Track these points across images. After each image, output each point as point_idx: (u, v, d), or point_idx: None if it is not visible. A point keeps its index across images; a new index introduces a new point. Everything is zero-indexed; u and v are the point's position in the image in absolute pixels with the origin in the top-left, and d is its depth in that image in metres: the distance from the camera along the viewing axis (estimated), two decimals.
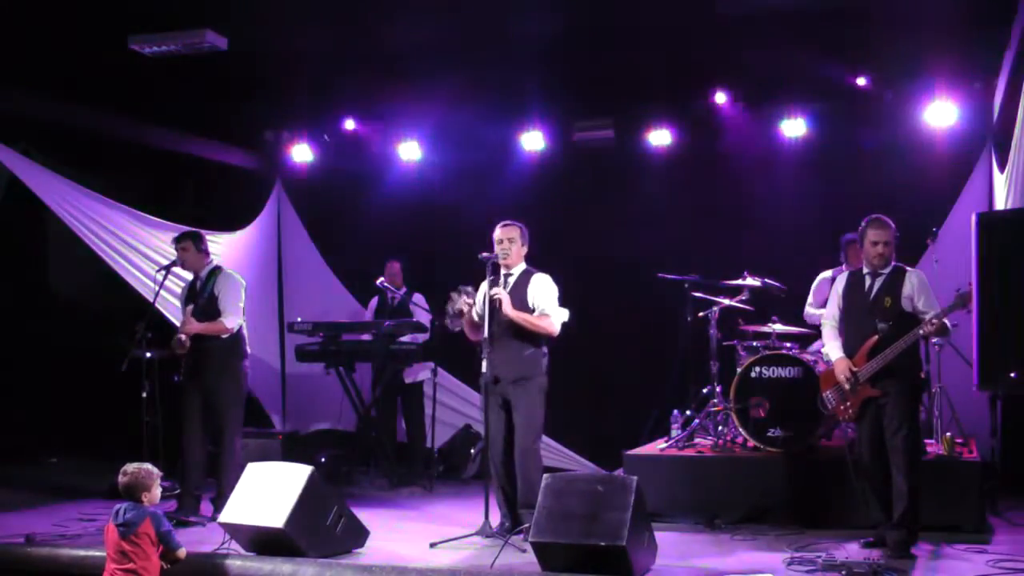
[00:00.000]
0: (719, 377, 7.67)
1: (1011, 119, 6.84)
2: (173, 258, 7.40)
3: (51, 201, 8.01)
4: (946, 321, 5.75)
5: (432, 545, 6.13)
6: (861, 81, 8.37)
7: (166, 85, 8.35)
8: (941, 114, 8.28)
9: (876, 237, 5.91)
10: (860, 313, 5.97)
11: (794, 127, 8.69)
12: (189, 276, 7.38)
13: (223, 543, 5.89)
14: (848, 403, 5.97)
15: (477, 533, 6.27)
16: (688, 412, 7.81)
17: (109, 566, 5.03)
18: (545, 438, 7.11)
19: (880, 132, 8.60)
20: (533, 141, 9.36)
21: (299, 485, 5.76)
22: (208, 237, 7.60)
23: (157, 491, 5.17)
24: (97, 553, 5.48)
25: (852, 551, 5.85)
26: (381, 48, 8.01)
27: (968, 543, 6.05)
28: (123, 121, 8.91)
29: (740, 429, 7.17)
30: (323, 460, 8.56)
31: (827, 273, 7.84)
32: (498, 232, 6.48)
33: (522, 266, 6.53)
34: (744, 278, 7.70)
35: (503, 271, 6.46)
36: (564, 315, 6.43)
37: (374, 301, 9.37)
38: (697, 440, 7.56)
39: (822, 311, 6.48)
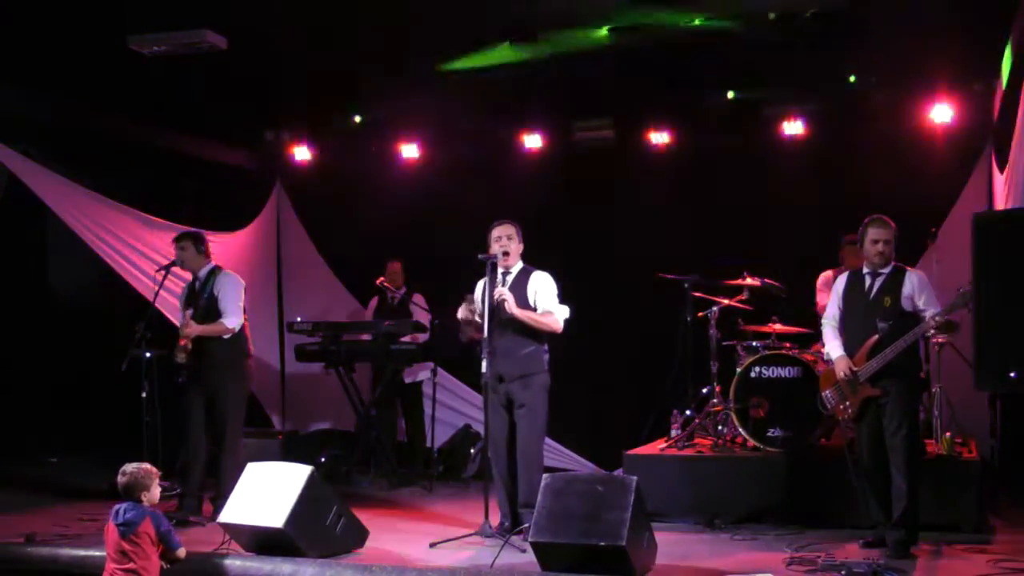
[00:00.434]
0: (719, 377, 7.68)
1: (1011, 119, 6.84)
2: (173, 258, 7.40)
3: (51, 201, 8.01)
4: (951, 317, 5.74)
5: (432, 545, 6.14)
6: (861, 81, 8.37)
7: (166, 85, 8.35)
8: (941, 114, 8.28)
9: (877, 236, 5.92)
10: (860, 313, 5.97)
11: (794, 127, 8.69)
12: (188, 276, 7.38)
13: (223, 543, 5.89)
14: (848, 403, 5.97)
15: (477, 533, 6.27)
16: (688, 412, 7.81)
17: (109, 566, 5.03)
18: (545, 438, 7.11)
19: (880, 132, 8.60)
20: (533, 141, 9.36)
21: (299, 485, 5.76)
22: (208, 237, 7.59)
23: (156, 491, 5.17)
24: (97, 553, 5.48)
25: (852, 551, 5.86)
26: (381, 48, 8.01)
27: (968, 543, 6.06)
28: (123, 121, 8.91)
29: (740, 429, 7.18)
30: (323, 460, 8.57)
31: (829, 272, 7.85)
32: (496, 230, 6.48)
33: (520, 264, 6.53)
34: (744, 278, 7.71)
35: (501, 270, 6.46)
36: (566, 312, 6.44)
37: (374, 301, 9.37)
38: (697, 440, 7.56)
39: None
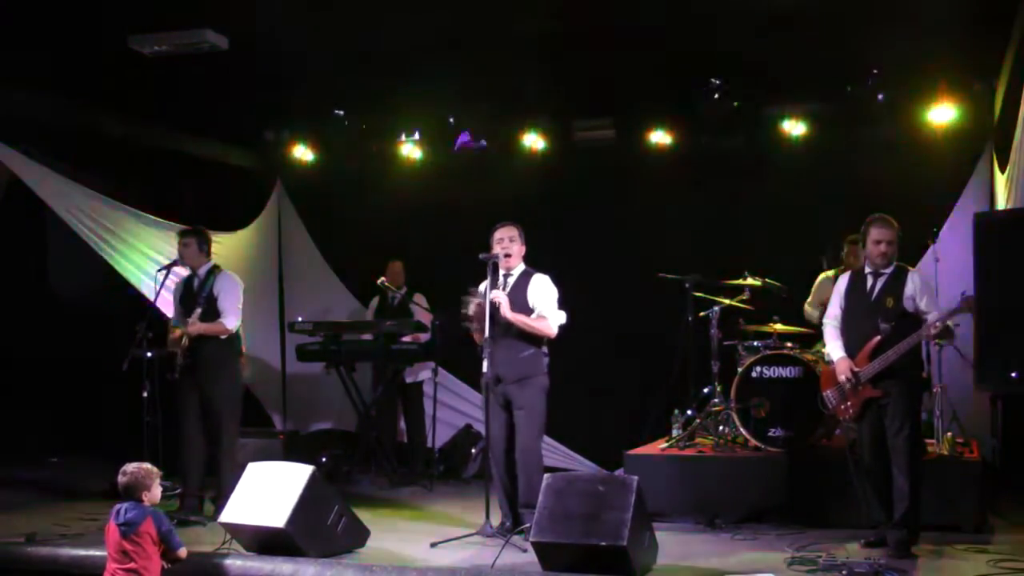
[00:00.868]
0: (720, 377, 7.68)
1: (1011, 119, 6.84)
2: (174, 258, 7.40)
3: (51, 201, 8.01)
4: (950, 324, 5.74)
5: (433, 545, 6.14)
6: (862, 81, 8.37)
7: (166, 85, 8.35)
8: (941, 114, 8.28)
9: (879, 236, 5.90)
10: (862, 313, 5.96)
11: (794, 127, 8.69)
12: (183, 272, 7.37)
13: (224, 543, 5.89)
14: (849, 403, 5.96)
15: (478, 533, 6.27)
16: (689, 412, 7.80)
17: (110, 566, 5.02)
18: (545, 438, 7.11)
19: (880, 132, 8.60)
20: (533, 141, 9.36)
21: (300, 485, 5.76)
22: (209, 236, 7.59)
23: (157, 490, 5.17)
24: (98, 553, 5.48)
25: (853, 551, 5.86)
26: (381, 47, 8.01)
27: (968, 543, 6.05)
28: (123, 121, 8.91)
29: (741, 429, 7.18)
30: (324, 460, 8.57)
31: (829, 273, 7.85)
32: (499, 232, 6.49)
33: (521, 266, 6.53)
34: (744, 278, 7.71)
35: (502, 271, 6.46)
36: (562, 317, 6.43)
37: (374, 301, 9.37)
38: (698, 440, 7.56)
39: (819, 311, 6.47)
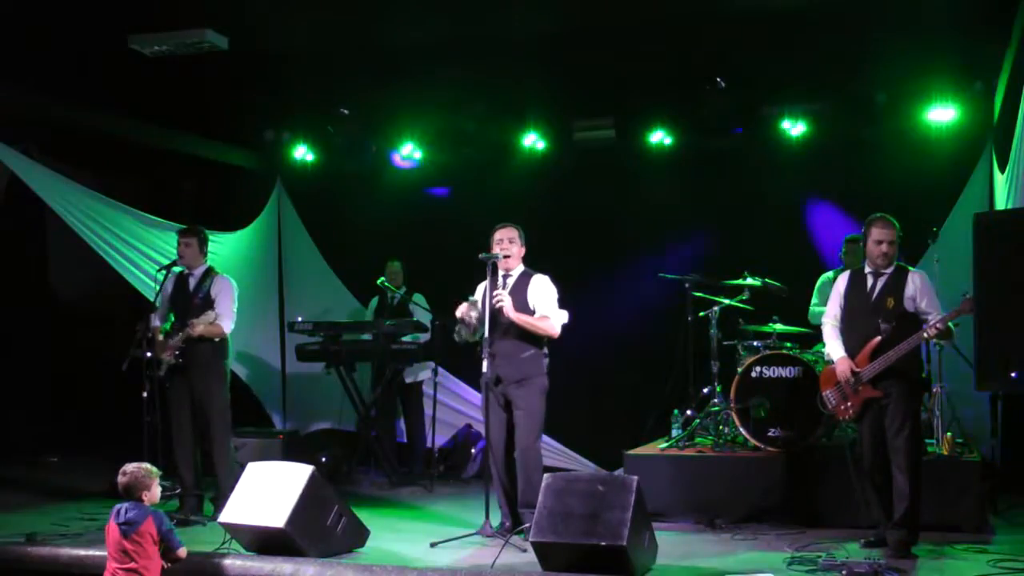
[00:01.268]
0: (720, 377, 7.68)
1: (1011, 119, 6.84)
2: (173, 258, 7.40)
3: (51, 201, 8.01)
4: (950, 324, 5.73)
5: (433, 545, 6.14)
6: (862, 81, 8.37)
7: (166, 85, 8.35)
8: (941, 114, 8.28)
9: (881, 236, 5.89)
10: (862, 313, 5.95)
11: (794, 127, 8.69)
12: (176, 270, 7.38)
13: (224, 543, 5.89)
14: (849, 403, 5.96)
15: (478, 533, 6.27)
16: (688, 412, 7.80)
17: (110, 565, 5.03)
18: (545, 438, 7.12)
19: (880, 132, 8.60)
20: (533, 141, 9.36)
21: (300, 485, 5.76)
22: (208, 237, 7.59)
23: (157, 490, 5.18)
24: (98, 552, 5.49)
25: (853, 551, 5.85)
26: (381, 48, 8.02)
27: (968, 543, 6.05)
28: (123, 121, 8.91)
29: (740, 429, 7.17)
30: (324, 460, 8.56)
31: (830, 273, 7.85)
32: (498, 233, 6.49)
33: (521, 267, 6.54)
34: (744, 278, 7.71)
35: (502, 272, 6.46)
36: (564, 316, 6.44)
37: (374, 301, 9.36)
38: (697, 440, 7.56)
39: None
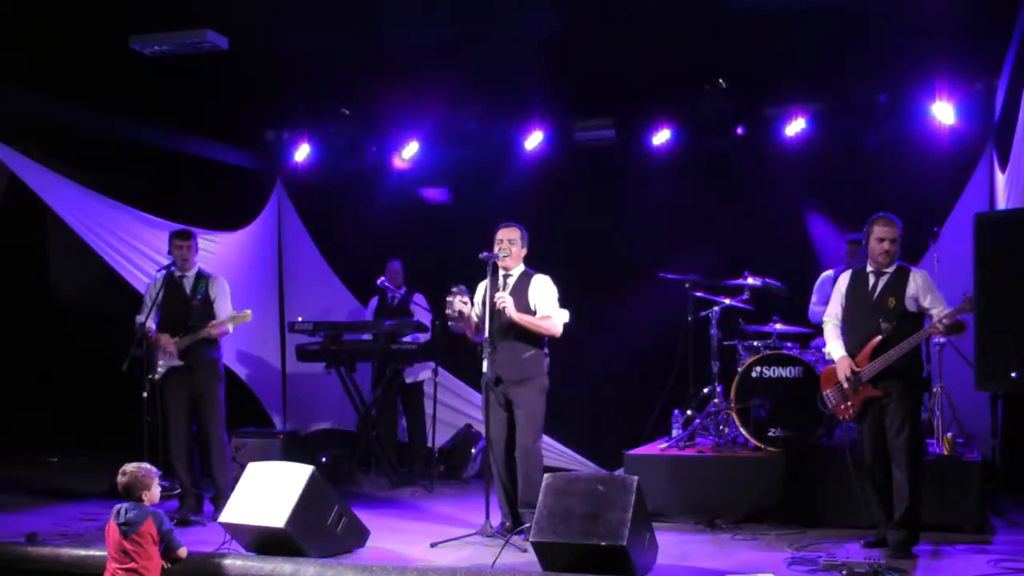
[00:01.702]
0: (720, 377, 7.68)
1: (1011, 119, 6.84)
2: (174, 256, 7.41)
3: (51, 200, 8.01)
4: (959, 318, 5.72)
5: (433, 545, 6.14)
6: (862, 81, 8.37)
7: (166, 85, 8.35)
8: (942, 114, 8.27)
9: (883, 234, 5.89)
10: (863, 312, 5.95)
11: (794, 127, 8.69)
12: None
13: (224, 543, 5.89)
14: (849, 402, 5.96)
15: (478, 533, 6.27)
16: (689, 412, 7.81)
17: (110, 566, 5.03)
18: (545, 438, 7.11)
19: (881, 132, 8.59)
20: (533, 141, 9.36)
21: (300, 485, 5.77)
22: (208, 237, 7.64)
23: (156, 490, 5.18)
24: (98, 552, 5.49)
25: (853, 551, 5.86)
26: (381, 48, 8.01)
27: (969, 543, 6.06)
28: (123, 120, 8.90)
29: (741, 429, 7.17)
30: (324, 460, 8.56)
31: (829, 272, 7.85)
32: (500, 233, 6.50)
33: (521, 267, 6.54)
34: (744, 278, 7.70)
35: (502, 272, 6.46)
36: (566, 316, 6.45)
37: (374, 301, 9.37)
38: (698, 440, 7.57)
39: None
